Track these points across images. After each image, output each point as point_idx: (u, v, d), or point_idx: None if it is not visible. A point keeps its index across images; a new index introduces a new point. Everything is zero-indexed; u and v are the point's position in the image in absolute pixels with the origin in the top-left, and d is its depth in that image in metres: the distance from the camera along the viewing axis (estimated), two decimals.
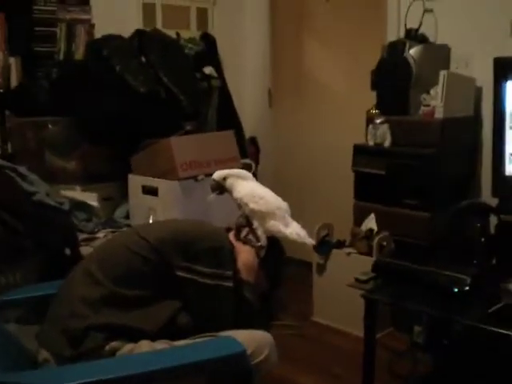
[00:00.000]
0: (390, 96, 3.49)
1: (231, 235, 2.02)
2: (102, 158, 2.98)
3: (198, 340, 1.72)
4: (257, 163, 4.20)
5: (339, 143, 4.04)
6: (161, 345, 1.71)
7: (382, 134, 3.34)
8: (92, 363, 1.53)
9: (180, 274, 1.79)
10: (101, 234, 2.67)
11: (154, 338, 1.74)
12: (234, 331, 1.76)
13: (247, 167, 3.30)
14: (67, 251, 2.52)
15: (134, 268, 1.79)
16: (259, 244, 1.99)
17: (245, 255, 1.97)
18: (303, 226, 2.09)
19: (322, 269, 3.43)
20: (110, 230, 2.73)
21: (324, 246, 3.37)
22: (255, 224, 1.99)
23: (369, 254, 3.22)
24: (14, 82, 3.40)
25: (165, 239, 1.83)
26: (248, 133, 4.26)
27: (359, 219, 3.47)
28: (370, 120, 3.49)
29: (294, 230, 2.05)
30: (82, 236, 2.64)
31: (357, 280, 2.47)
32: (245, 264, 1.96)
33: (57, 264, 2.46)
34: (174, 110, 3.00)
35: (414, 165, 3.21)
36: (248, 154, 3.96)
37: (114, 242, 1.96)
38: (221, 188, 2.03)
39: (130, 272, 1.79)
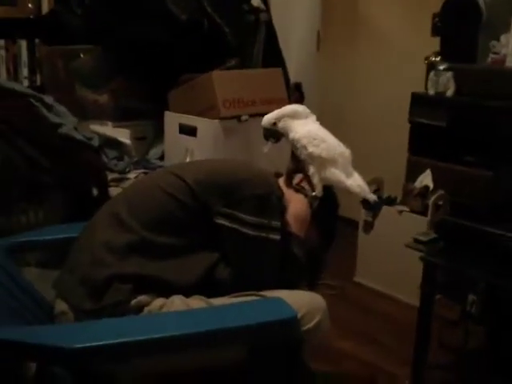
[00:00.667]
0: (455, 41, 3.17)
1: (281, 181, 1.75)
2: (136, 93, 2.71)
3: (239, 299, 1.48)
4: None
5: (393, 92, 3.72)
6: (196, 302, 1.47)
7: (445, 82, 3.02)
8: (115, 321, 1.30)
9: (220, 221, 1.54)
10: (132, 175, 2.42)
11: (187, 293, 1.50)
12: (280, 291, 1.52)
13: None
14: (94, 191, 2.28)
15: (169, 212, 1.55)
16: (314, 194, 1.72)
17: (296, 205, 1.71)
18: None
19: (369, 227, 3.16)
20: (143, 170, 2.47)
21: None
22: (312, 170, 1.72)
23: (422, 213, 2.93)
24: (45, 8, 3.14)
25: (205, 181, 1.57)
26: (292, 77, 3.93)
27: (412, 175, 3.17)
28: (430, 67, 3.17)
29: (355, 182, 1.78)
30: (111, 176, 2.39)
31: (415, 240, 2.18)
32: (295, 215, 1.70)
33: (83, 204, 2.23)
34: (216, 43, 2.71)
35: (480, 118, 2.91)
36: (292, 100, 3.65)
37: (145, 183, 1.71)
38: (274, 134, 1.75)
39: (164, 216, 1.55)
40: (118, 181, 2.37)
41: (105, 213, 1.62)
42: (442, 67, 3.02)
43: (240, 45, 2.85)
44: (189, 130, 2.53)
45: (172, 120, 2.62)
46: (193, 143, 2.49)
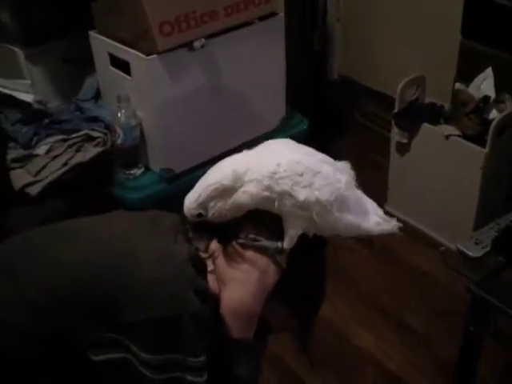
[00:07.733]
0: None
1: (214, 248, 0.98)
2: (48, 5, 1.83)
3: None
4: None
5: None
6: None
7: None
8: None
9: (100, 357, 0.86)
10: (42, 149, 1.61)
11: None
12: None
13: None
14: None
15: (8, 351, 0.88)
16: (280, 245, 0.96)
17: (232, 293, 0.96)
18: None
19: (403, 149, 2.32)
20: (61, 137, 1.65)
21: (410, 115, 2.22)
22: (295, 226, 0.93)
23: (479, 139, 2.04)
24: None
25: (59, 289, 0.89)
26: None
27: (466, 68, 2.26)
28: None
29: (375, 218, 1.01)
30: (13, 153, 1.61)
31: (461, 253, 1.38)
32: (235, 312, 0.98)
33: None
34: None
35: None
36: None
37: None
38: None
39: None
40: (21, 160, 1.60)
41: None
42: None
43: None
44: (121, 65, 1.69)
45: (100, 46, 1.76)
46: (128, 85, 1.67)
